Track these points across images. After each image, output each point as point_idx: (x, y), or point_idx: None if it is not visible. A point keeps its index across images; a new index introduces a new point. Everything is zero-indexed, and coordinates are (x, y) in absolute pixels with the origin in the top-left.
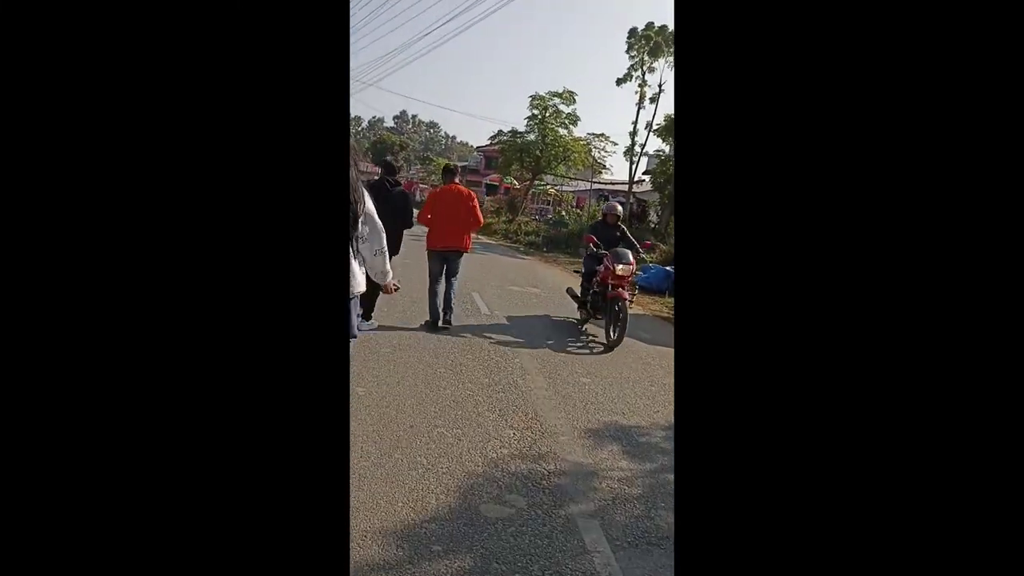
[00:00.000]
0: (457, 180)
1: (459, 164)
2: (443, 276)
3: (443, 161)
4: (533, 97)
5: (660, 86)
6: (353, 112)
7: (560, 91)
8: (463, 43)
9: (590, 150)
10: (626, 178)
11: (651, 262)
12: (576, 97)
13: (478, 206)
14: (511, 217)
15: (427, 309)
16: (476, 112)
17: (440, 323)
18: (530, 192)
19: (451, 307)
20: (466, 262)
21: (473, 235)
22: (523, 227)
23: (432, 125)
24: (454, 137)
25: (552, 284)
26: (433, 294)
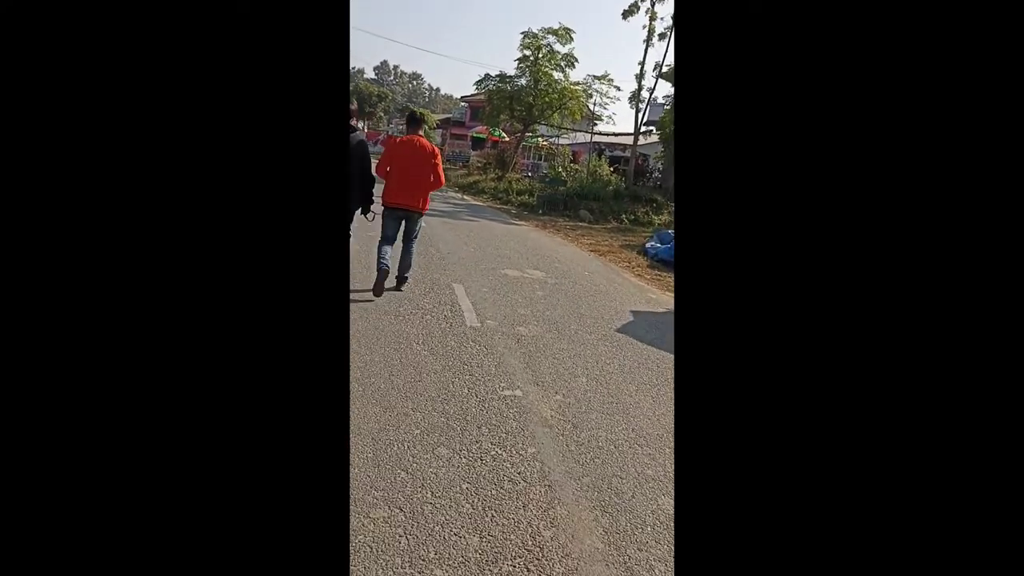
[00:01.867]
0: (421, 132)
1: (440, 116)
2: (399, 239)
3: (427, 112)
4: (525, 35)
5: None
6: None
7: (555, 28)
8: None
9: (589, 95)
10: (629, 129)
11: (662, 224)
12: (573, 35)
13: (441, 164)
14: (500, 174)
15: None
16: (463, 56)
17: (397, 285)
18: (521, 145)
19: (409, 265)
20: (450, 232)
21: (466, 198)
22: (514, 185)
23: (415, 76)
24: (438, 89)
25: (558, 263)
26: (382, 252)
